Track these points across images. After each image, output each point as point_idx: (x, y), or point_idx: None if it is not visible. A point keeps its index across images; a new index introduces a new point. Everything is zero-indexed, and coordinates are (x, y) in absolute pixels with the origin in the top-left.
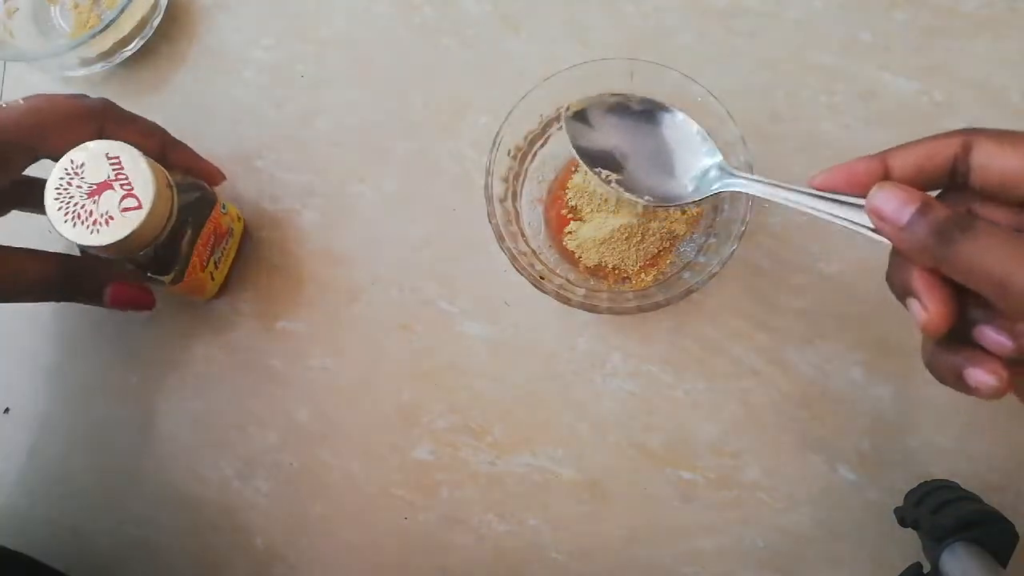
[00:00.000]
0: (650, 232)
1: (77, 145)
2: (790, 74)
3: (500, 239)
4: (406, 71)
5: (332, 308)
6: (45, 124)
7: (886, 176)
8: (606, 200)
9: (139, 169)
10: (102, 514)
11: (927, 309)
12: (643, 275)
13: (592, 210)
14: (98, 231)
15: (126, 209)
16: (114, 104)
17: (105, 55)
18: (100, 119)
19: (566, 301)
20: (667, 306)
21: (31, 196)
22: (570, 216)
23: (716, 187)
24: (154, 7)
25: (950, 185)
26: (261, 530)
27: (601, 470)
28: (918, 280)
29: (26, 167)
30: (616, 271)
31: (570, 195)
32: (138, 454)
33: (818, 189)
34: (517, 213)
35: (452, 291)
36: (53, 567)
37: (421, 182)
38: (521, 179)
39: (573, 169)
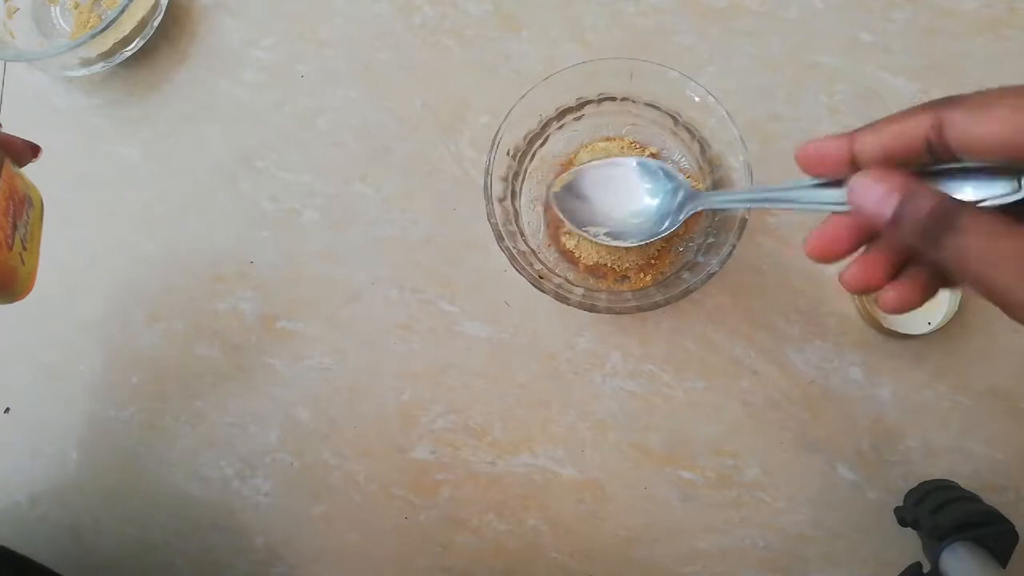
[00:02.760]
0: None
1: None
2: (790, 74)
3: (499, 239)
4: (406, 71)
5: (332, 308)
6: None
7: (852, 160)
8: None
9: None
10: (102, 514)
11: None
12: (642, 275)
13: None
14: None
15: None
16: None
17: (105, 55)
18: None
19: (565, 300)
20: (666, 306)
21: None
22: None
23: (686, 212)
24: (155, 7)
25: (934, 160)
26: (261, 530)
27: (601, 470)
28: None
29: None
30: (615, 271)
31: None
32: (138, 454)
33: (801, 167)
34: (516, 213)
35: (452, 291)
36: (53, 568)
37: (421, 182)
38: (520, 179)
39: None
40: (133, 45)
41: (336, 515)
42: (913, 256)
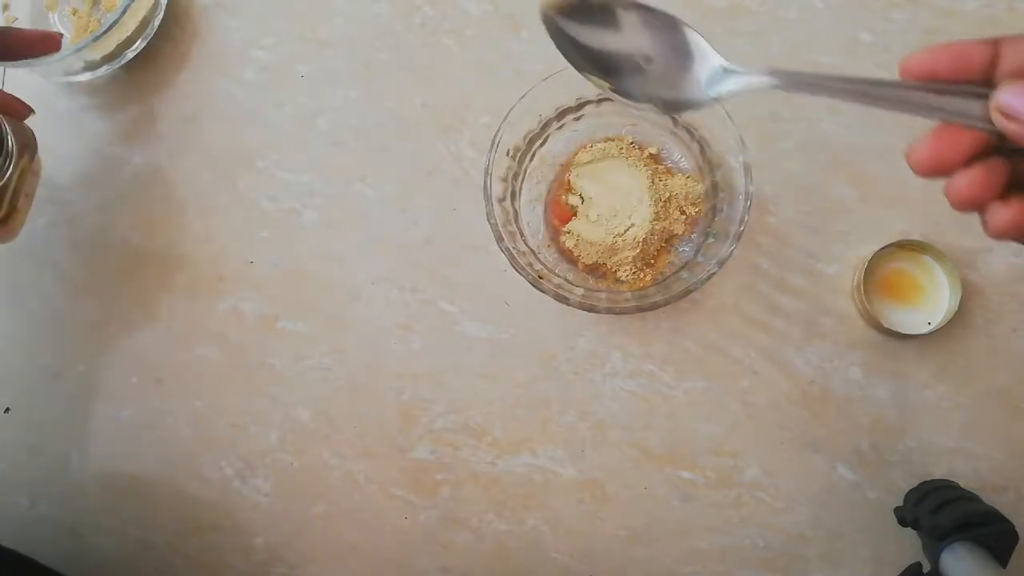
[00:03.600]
0: (649, 232)
1: None
2: None
3: (499, 239)
4: (406, 71)
5: (332, 308)
6: None
7: (993, 66)
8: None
9: None
10: (102, 514)
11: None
12: (641, 275)
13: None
14: None
15: None
16: None
17: (109, 57)
18: None
19: (564, 301)
20: (666, 306)
21: None
22: (570, 213)
23: (718, 90)
24: (155, 6)
25: None
26: (261, 530)
27: (601, 470)
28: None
29: None
30: (614, 271)
31: (569, 195)
32: (138, 454)
33: (913, 72)
34: (516, 213)
35: (452, 291)
36: (53, 567)
37: (421, 182)
38: (520, 179)
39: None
40: (136, 46)
41: (336, 515)
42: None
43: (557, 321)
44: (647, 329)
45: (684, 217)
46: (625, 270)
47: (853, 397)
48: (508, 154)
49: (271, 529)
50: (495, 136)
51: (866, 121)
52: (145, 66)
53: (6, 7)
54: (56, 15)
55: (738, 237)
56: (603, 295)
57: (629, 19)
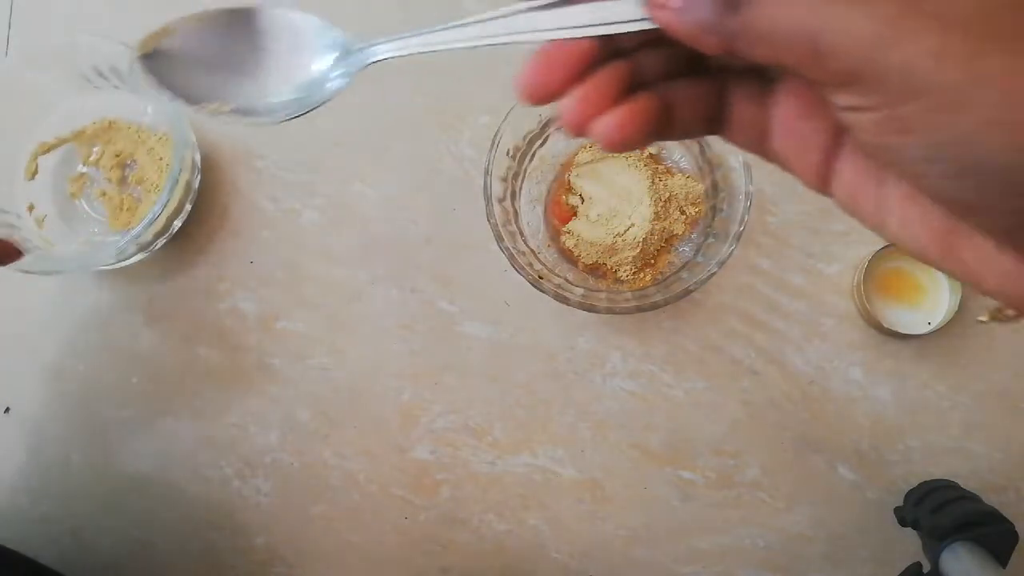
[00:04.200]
0: (649, 232)
1: None
2: None
3: (499, 239)
4: (406, 71)
5: (332, 308)
6: None
7: None
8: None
9: None
10: (102, 514)
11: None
12: (641, 275)
13: (590, 209)
14: None
15: None
16: None
17: (160, 232)
18: None
19: (564, 301)
20: (666, 306)
21: None
22: (570, 214)
23: (344, 73)
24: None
25: None
26: (261, 530)
27: (601, 470)
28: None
29: None
30: (614, 271)
31: (569, 195)
32: (138, 454)
33: None
34: (516, 213)
35: (452, 291)
36: (53, 568)
37: (421, 182)
38: (520, 179)
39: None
40: (184, 212)
41: (336, 515)
42: (644, 80)
43: (557, 321)
44: (647, 329)
45: (684, 217)
46: (625, 270)
47: (853, 397)
48: (508, 154)
49: (271, 529)
50: (495, 136)
51: None
52: None
53: (31, 208)
54: (83, 201)
55: (738, 237)
56: (603, 295)
57: (227, 30)
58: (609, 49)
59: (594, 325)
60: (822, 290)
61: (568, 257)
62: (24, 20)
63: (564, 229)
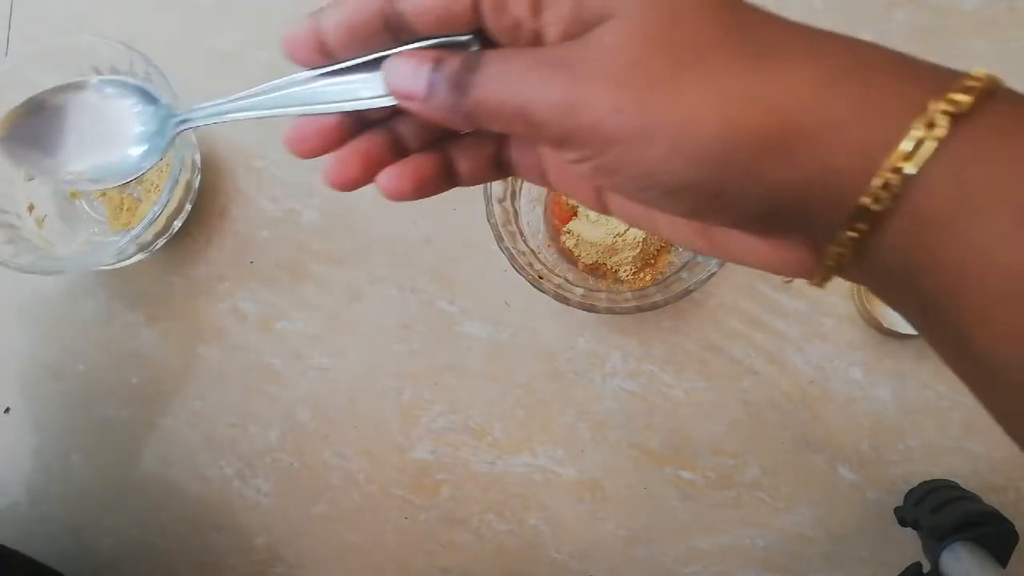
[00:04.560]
0: (649, 232)
1: None
2: None
3: (499, 239)
4: None
5: (332, 308)
6: None
7: (321, 42)
8: None
9: None
10: (102, 514)
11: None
12: (641, 275)
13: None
14: None
15: None
16: None
17: (160, 232)
18: None
19: (564, 301)
20: (666, 306)
21: None
22: (570, 213)
23: (169, 136)
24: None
25: (399, 38)
26: (261, 530)
27: (601, 470)
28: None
29: None
30: (614, 271)
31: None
32: (138, 454)
33: (288, 56)
34: (516, 213)
35: (452, 291)
36: (53, 567)
37: None
38: (520, 179)
39: None
40: (184, 212)
41: (336, 515)
42: (421, 140)
43: (557, 321)
44: (647, 329)
45: None
46: (625, 270)
47: (853, 397)
48: None
49: (271, 529)
50: None
51: None
52: None
53: (31, 208)
54: (83, 201)
55: None
56: (603, 295)
57: (64, 106)
58: (388, 112)
59: (594, 325)
60: (822, 290)
61: (568, 257)
62: (24, 20)
63: (564, 229)
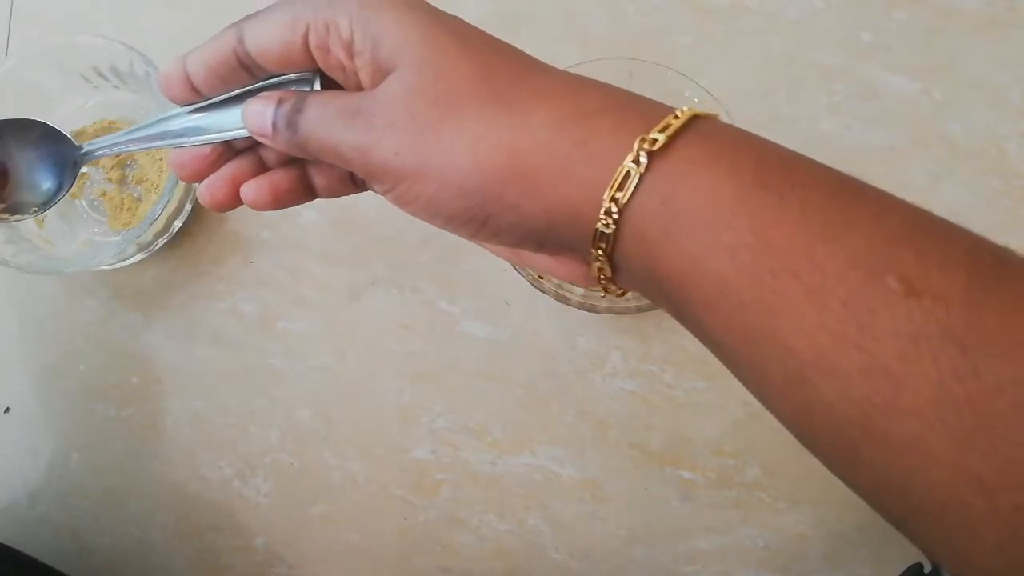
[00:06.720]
0: None
1: None
2: (790, 74)
3: None
4: None
5: (332, 308)
6: None
7: (189, 81)
8: None
9: None
10: (102, 514)
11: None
12: None
13: None
14: None
15: None
16: None
17: (161, 232)
18: None
19: (564, 301)
20: None
21: None
22: None
23: (72, 170)
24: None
25: (254, 76)
26: (261, 530)
27: (601, 470)
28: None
29: None
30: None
31: None
32: (138, 454)
33: (163, 94)
34: None
35: (452, 291)
36: (53, 567)
37: None
38: None
39: None
40: (184, 211)
41: (336, 515)
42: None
43: (557, 321)
44: (647, 329)
45: None
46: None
47: None
48: None
49: (271, 529)
50: None
51: (866, 121)
52: None
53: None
54: (83, 201)
55: None
56: (603, 295)
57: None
58: (254, 140)
59: (594, 325)
60: None
61: None
62: (24, 20)
63: None
